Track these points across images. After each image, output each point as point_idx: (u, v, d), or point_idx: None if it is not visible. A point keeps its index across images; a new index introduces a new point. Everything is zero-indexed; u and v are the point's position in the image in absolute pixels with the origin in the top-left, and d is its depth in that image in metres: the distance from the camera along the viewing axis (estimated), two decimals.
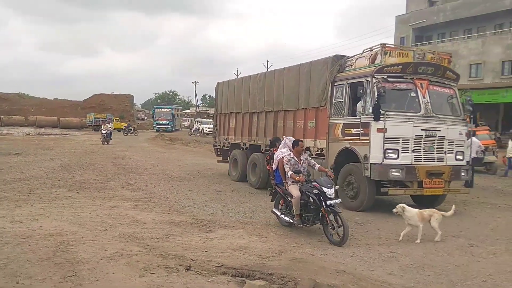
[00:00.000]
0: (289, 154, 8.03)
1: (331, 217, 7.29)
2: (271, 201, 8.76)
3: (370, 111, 9.51)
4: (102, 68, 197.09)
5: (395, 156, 9.42)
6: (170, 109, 58.85)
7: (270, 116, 13.42)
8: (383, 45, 9.98)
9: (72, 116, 63.59)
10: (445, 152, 9.94)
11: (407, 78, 9.84)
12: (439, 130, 9.83)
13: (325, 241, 7.41)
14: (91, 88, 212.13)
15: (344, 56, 11.07)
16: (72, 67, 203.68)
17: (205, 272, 5.15)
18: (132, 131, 46.81)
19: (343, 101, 10.51)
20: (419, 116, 9.67)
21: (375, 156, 9.41)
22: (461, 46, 38.13)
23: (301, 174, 7.87)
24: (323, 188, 7.37)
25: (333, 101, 10.79)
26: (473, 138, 14.01)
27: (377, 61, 9.93)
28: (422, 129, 9.62)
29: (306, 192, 7.67)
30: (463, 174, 10.31)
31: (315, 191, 7.47)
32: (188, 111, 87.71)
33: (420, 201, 10.47)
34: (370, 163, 9.41)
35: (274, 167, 8.48)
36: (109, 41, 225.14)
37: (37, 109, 65.35)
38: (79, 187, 12.23)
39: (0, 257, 5.37)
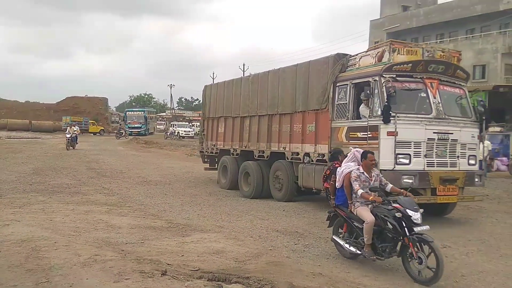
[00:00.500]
0: (358, 169, 6.52)
1: (416, 247, 5.70)
2: (329, 226, 7.14)
3: (379, 113, 8.78)
4: (76, 71, 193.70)
5: (407, 161, 8.66)
6: (142, 112, 57.53)
7: (264, 120, 12.62)
8: (391, 42, 9.32)
9: (44, 119, 62.23)
10: (458, 156, 9.22)
11: (416, 78, 9.11)
12: (452, 133, 9.11)
13: (302, 244, 7.39)
14: (65, 91, 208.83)
15: (347, 54, 10.31)
16: (45, 69, 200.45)
17: (181, 277, 5.12)
18: (123, 134, 46.38)
19: (347, 102, 9.76)
20: (431, 118, 8.95)
21: (386, 161, 8.58)
22: None
23: (376, 192, 6.38)
24: (407, 210, 5.77)
25: (336, 103, 10.06)
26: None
27: (385, 59, 9.19)
28: (434, 132, 8.90)
29: (382, 216, 6.03)
30: (476, 180, 9.54)
31: (397, 215, 5.85)
32: (164, 114, 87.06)
33: (429, 209, 8.52)
34: (380, 169, 8.03)
35: (338, 184, 6.81)
36: (83, 43, 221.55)
37: (8, 112, 63.67)
38: (52, 191, 12.00)
39: None
